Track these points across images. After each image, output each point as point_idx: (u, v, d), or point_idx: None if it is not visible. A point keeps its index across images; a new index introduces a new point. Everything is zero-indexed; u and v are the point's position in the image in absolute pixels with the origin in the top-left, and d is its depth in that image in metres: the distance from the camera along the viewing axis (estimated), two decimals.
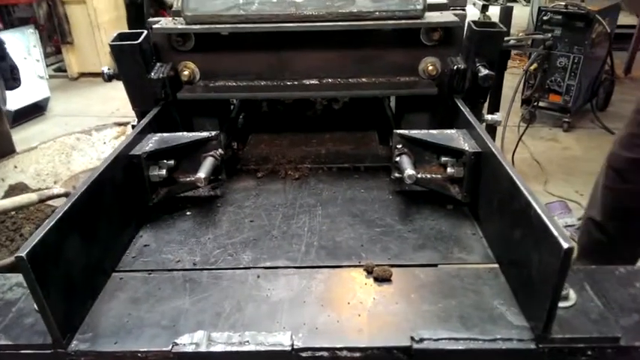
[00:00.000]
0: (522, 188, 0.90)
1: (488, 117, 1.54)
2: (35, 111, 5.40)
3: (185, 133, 1.34)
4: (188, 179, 1.30)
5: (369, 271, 1.02)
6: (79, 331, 0.89)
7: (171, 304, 0.95)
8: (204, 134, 1.31)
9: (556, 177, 3.92)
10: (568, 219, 3.13)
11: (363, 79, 1.52)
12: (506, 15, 3.40)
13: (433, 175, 1.27)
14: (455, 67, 1.40)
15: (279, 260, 1.09)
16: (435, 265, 1.06)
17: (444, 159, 1.25)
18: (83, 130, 2.93)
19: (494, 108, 2.93)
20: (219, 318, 0.91)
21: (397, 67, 1.50)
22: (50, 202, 2.16)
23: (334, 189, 1.40)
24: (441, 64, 1.47)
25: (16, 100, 4.85)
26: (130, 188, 1.19)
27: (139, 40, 1.35)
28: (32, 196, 1.95)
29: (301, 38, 1.44)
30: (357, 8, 1.37)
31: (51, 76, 6.10)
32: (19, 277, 0.96)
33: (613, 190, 1.93)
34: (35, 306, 0.83)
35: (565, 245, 0.73)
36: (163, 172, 1.24)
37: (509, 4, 4.69)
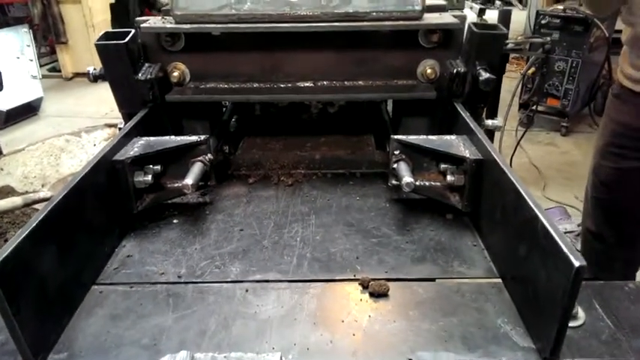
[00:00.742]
0: (528, 199, 0.85)
1: (489, 122, 1.50)
2: (28, 111, 5.31)
3: (172, 137, 1.28)
4: (175, 185, 1.25)
5: (365, 286, 0.97)
6: (53, 350, 0.84)
7: (152, 320, 0.90)
8: (193, 138, 1.26)
9: (554, 182, 3.87)
10: (567, 225, 3.07)
11: (360, 82, 1.47)
12: (505, 18, 3.35)
13: (432, 183, 1.23)
14: (454, 71, 1.36)
15: (269, 273, 1.03)
16: (434, 280, 1.01)
17: (443, 166, 1.20)
18: (73, 132, 2.87)
19: (492, 112, 2.89)
20: (204, 337, 0.86)
21: (395, 70, 1.46)
22: (37, 206, 2.10)
23: (329, 196, 1.35)
24: (440, 67, 1.43)
25: (8, 100, 4.79)
26: (113, 195, 1.14)
27: (126, 40, 1.30)
28: (17, 200, 1.89)
29: (295, 39, 1.39)
30: (354, 8, 1.33)
31: (45, 76, 6.03)
32: None
33: (602, 200, 1.93)
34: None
35: (577, 264, 0.68)
36: (149, 177, 1.19)
37: (506, 8, 4.66)
